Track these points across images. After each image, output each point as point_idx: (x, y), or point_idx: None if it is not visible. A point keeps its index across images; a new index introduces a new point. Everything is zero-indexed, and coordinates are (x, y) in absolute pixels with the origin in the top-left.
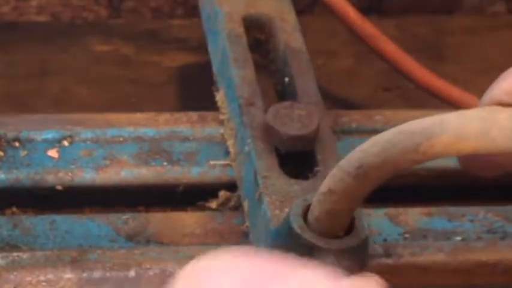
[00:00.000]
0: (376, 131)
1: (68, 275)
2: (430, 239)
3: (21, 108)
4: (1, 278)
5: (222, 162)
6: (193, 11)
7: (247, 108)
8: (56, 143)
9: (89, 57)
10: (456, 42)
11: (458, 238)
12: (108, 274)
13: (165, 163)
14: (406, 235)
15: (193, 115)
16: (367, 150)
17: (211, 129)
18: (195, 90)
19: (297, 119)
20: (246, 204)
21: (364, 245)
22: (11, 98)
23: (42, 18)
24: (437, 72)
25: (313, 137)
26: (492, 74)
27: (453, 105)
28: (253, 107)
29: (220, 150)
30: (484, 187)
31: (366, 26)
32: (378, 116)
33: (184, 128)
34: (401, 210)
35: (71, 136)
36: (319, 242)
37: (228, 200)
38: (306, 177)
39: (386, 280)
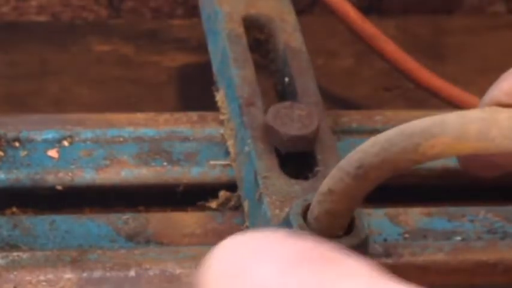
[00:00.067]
0: (376, 131)
1: (68, 275)
2: (430, 239)
3: (21, 108)
4: (1, 278)
5: (222, 162)
6: (193, 11)
7: (247, 108)
8: (56, 143)
9: (89, 57)
10: (456, 42)
11: (458, 238)
12: (108, 274)
13: (165, 163)
14: (406, 235)
15: (193, 115)
16: (367, 150)
17: (211, 129)
18: (195, 90)
19: (297, 119)
20: (246, 204)
21: (364, 244)
22: (11, 98)
23: (42, 18)
24: (437, 72)
25: (313, 137)
26: (492, 74)
27: (453, 105)
28: (253, 107)
29: (220, 150)
30: (484, 187)
31: (366, 26)
32: (378, 116)
33: (184, 128)
34: (401, 210)
35: (71, 136)
36: None
37: (228, 200)
38: (306, 178)
39: None
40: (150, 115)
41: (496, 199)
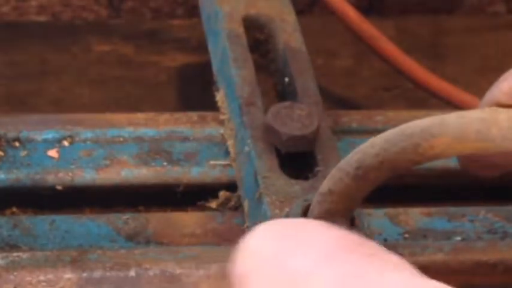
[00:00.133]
0: (376, 131)
1: (68, 275)
2: (430, 239)
3: (21, 108)
4: (1, 278)
5: (222, 162)
6: (193, 11)
7: (247, 108)
8: (56, 143)
9: (89, 57)
10: (456, 42)
11: (458, 238)
12: (108, 274)
13: (165, 163)
14: (406, 235)
15: (193, 115)
16: (366, 151)
17: (211, 129)
18: (195, 90)
19: (297, 119)
20: (246, 204)
21: None
22: (11, 98)
23: (42, 18)
24: (437, 72)
25: (314, 137)
26: (492, 74)
27: (453, 105)
28: (253, 107)
29: (220, 150)
30: (484, 187)
31: (366, 26)
32: (379, 116)
33: (184, 128)
34: (401, 210)
35: (71, 136)
36: None
37: (228, 200)
38: (306, 178)
39: None
40: (150, 115)
41: (496, 199)
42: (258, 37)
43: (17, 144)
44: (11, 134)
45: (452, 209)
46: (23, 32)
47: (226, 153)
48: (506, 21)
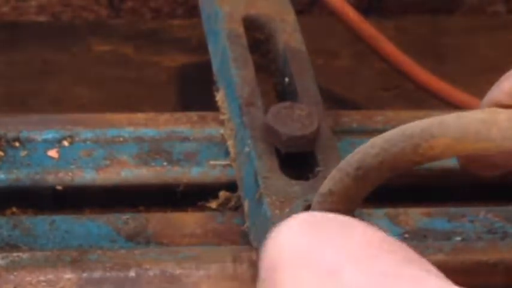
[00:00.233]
0: (376, 131)
1: (68, 275)
2: (430, 239)
3: (21, 108)
4: (1, 278)
5: (222, 162)
6: (193, 11)
7: (247, 108)
8: (56, 143)
9: (89, 57)
10: (456, 42)
11: (458, 238)
12: (108, 274)
13: (165, 163)
14: (406, 235)
15: (193, 115)
16: (366, 151)
17: (211, 129)
18: (195, 90)
19: (297, 119)
20: (246, 204)
21: None
22: (11, 98)
23: (42, 18)
24: (437, 72)
25: (314, 137)
26: (492, 74)
27: (452, 105)
28: (253, 107)
29: (220, 150)
30: (484, 187)
31: (365, 27)
32: (379, 116)
33: (184, 128)
34: (401, 210)
35: (71, 136)
36: None
37: (228, 200)
38: (306, 178)
39: None
40: (150, 115)
41: (496, 199)
42: (258, 37)
43: (17, 144)
44: (11, 134)
45: (452, 209)
46: (23, 32)
47: (226, 153)
48: (506, 21)
